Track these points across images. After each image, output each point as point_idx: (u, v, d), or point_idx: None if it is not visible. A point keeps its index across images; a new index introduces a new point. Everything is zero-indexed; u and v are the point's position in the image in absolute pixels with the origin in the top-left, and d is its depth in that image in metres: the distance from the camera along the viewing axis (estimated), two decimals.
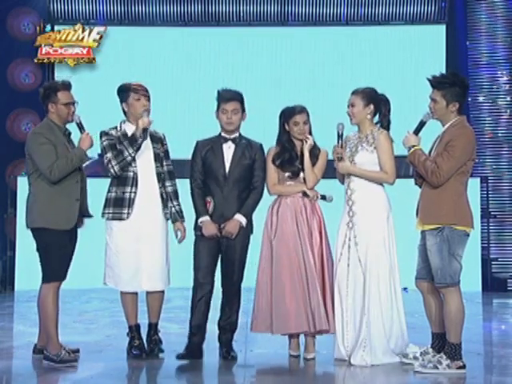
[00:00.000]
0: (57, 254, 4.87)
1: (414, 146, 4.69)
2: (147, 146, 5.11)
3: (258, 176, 5.12)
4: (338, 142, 4.96)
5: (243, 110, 5.14)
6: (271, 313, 4.98)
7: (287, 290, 4.94)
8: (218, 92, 5.14)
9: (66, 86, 5.05)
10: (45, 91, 5.04)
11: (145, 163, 5.09)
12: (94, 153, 6.47)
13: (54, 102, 5.00)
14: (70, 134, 5.10)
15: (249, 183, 5.11)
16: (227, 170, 5.07)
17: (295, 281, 4.94)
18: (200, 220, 5.05)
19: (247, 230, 5.08)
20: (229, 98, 5.07)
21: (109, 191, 5.13)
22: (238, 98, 5.11)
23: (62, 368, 4.72)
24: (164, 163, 5.22)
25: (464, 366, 4.56)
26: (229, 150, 5.11)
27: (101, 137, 5.12)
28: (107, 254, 5.12)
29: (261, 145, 5.19)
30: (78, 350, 5.15)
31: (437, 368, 4.55)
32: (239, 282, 5.12)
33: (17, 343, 5.79)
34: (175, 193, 5.24)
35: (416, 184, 4.84)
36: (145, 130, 5.03)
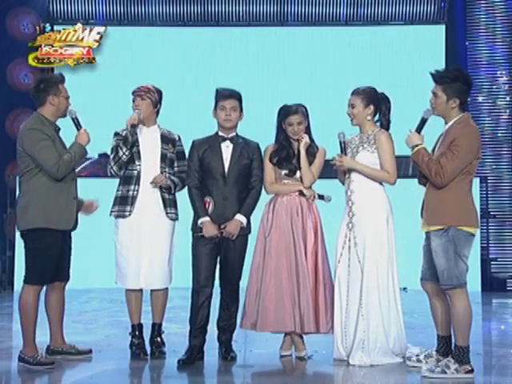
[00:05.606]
0: (48, 257, 4.75)
1: (417, 145, 4.60)
2: (155, 146, 5.14)
3: (256, 175, 5.08)
4: (342, 152, 4.94)
5: (241, 109, 5.12)
6: (257, 310, 4.96)
7: (273, 287, 4.92)
8: (217, 90, 5.11)
9: (64, 79, 4.97)
10: (45, 84, 4.86)
11: (150, 162, 5.11)
12: (93, 153, 6.46)
13: (56, 95, 4.86)
14: (59, 130, 4.99)
15: (247, 183, 5.08)
16: (226, 169, 5.02)
17: (284, 280, 4.91)
18: (200, 221, 4.98)
19: (245, 230, 5.04)
20: (227, 95, 5.05)
21: (117, 190, 5.17)
22: (236, 96, 5.08)
23: (40, 370, 4.69)
24: (175, 164, 5.20)
25: (472, 370, 4.46)
26: (227, 149, 5.07)
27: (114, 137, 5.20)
28: (115, 253, 5.16)
29: (258, 144, 5.17)
30: (90, 351, 5.18)
31: (445, 372, 4.44)
32: (238, 282, 5.09)
33: (16, 343, 5.77)
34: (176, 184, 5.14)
35: (420, 183, 4.76)
36: (133, 126, 5.05)
